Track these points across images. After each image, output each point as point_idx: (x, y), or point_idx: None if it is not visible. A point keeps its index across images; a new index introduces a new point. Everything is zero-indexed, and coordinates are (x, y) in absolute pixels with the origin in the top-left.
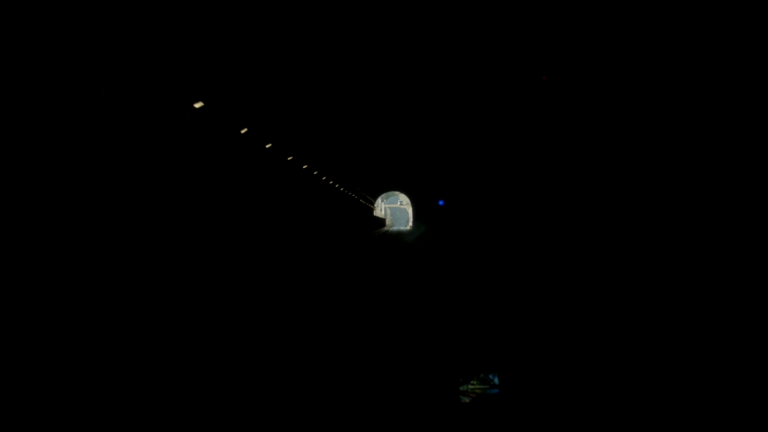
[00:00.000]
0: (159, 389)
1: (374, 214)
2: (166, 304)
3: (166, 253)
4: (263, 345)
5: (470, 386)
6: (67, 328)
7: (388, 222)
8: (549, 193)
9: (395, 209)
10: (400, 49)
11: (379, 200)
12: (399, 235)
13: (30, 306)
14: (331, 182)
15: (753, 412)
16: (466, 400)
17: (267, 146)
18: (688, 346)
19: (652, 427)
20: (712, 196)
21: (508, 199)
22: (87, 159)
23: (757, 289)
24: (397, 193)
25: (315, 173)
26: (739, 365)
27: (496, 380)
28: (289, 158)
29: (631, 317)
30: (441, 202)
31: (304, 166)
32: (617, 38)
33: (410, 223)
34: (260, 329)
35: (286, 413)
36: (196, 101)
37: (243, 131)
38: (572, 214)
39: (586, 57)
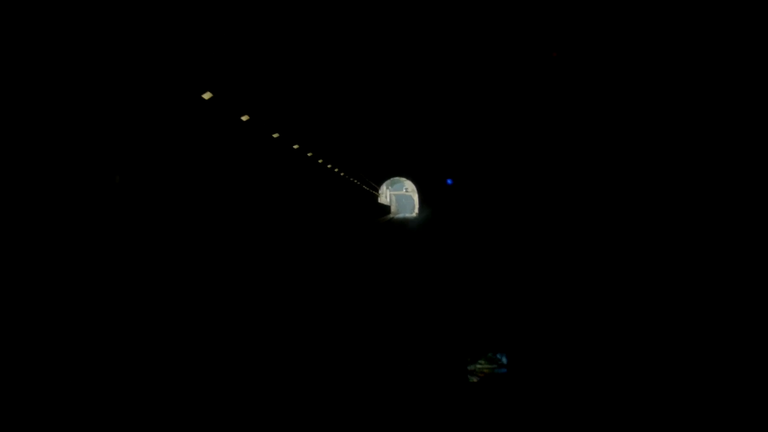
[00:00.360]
0: (159, 386)
1: (379, 201)
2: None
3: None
4: (264, 333)
5: (478, 366)
6: (68, 326)
7: (393, 209)
8: (561, 183)
9: (401, 196)
10: (405, 29)
11: (383, 187)
12: (404, 222)
13: (30, 305)
14: (329, 165)
15: (753, 412)
16: (475, 379)
17: (243, 118)
18: (694, 341)
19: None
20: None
21: (518, 189)
22: (82, 149)
23: (757, 289)
24: (402, 180)
25: (309, 154)
26: (739, 365)
27: (504, 360)
28: (275, 135)
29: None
30: (449, 181)
31: (296, 147)
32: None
33: (416, 210)
34: (259, 320)
35: (289, 406)
36: (196, 87)
37: (206, 96)
38: (585, 207)
39: (602, 36)
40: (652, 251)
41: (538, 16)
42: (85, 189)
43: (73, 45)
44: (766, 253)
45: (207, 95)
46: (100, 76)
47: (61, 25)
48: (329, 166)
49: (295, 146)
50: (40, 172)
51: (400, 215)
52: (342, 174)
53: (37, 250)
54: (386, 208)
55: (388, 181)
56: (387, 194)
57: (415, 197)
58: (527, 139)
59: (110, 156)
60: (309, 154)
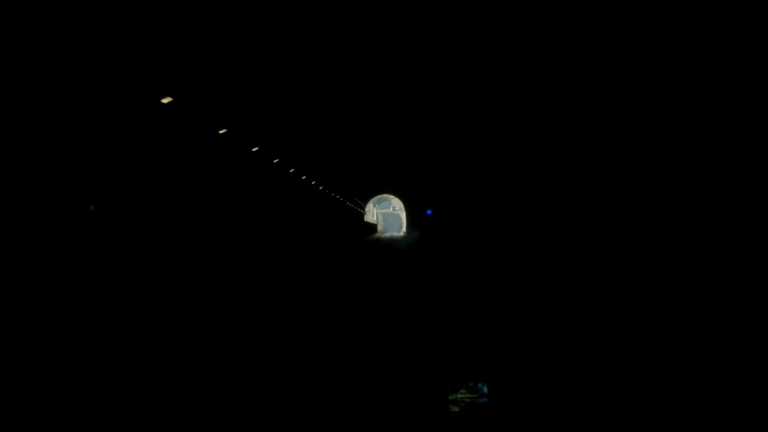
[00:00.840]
0: (158, 391)
1: (365, 220)
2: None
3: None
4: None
5: (459, 395)
6: (68, 328)
7: (380, 228)
8: (544, 197)
9: (388, 214)
10: (393, 42)
11: (370, 205)
12: (391, 242)
13: (31, 307)
14: (304, 178)
15: (753, 412)
16: (456, 409)
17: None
18: (685, 349)
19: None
20: (708, 197)
21: (505, 206)
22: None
23: (757, 289)
24: (390, 198)
25: (290, 170)
26: (739, 365)
27: (485, 389)
28: (254, 149)
29: (623, 323)
30: (429, 212)
31: (275, 161)
32: (603, 47)
33: (403, 229)
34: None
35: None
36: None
37: (164, 99)
38: (565, 221)
39: (573, 67)
40: (629, 282)
41: (516, 55)
42: (84, 196)
43: (59, 55)
44: (765, 252)
45: (167, 100)
46: (84, 87)
47: (44, 35)
48: (305, 178)
49: (275, 160)
50: (37, 176)
51: (387, 234)
52: (324, 189)
53: (35, 252)
54: (373, 227)
55: (374, 199)
56: (374, 212)
57: (403, 216)
58: (510, 159)
59: (96, 170)
60: (276, 162)
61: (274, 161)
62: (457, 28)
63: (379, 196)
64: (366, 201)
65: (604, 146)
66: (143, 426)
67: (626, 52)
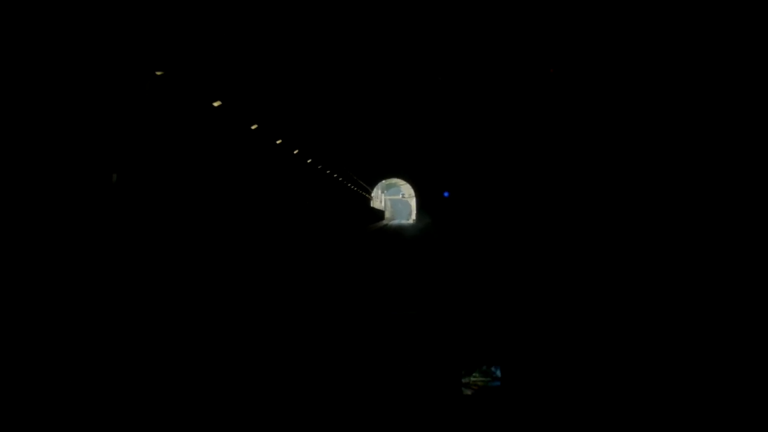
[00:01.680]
0: (156, 388)
1: (372, 206)
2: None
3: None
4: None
5: (472, 378)
6: (65, 326)
7: (387, 215)
8: (564, 186)
9: (396, 201)
10: (406, 19)
11: (378, 190)
12: (399, 229)
13: (28, 305)
14: (299, 154)
15: (753, 412)
16: (468, 392)
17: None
18: (692, 343)
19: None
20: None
21: (522, 194)
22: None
23: (757, 290)
24: (400, 184)
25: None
26: (739, 365)
27: (498, 373)
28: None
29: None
30: (446, 194)
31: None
32: (632, 28)
33: (413, 217)
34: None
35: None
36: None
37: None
38: (584, 212)
39: (599, 49)
40: (645, 266)
41: (539, 35)
42: (85, 188)
43: (74, 46)
44: (765, 253)
45: (189, 91)
46: (100, 78)
47: (62, 26)
48: (297, 152)
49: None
50: (40, 172)
51: (395, 222)
52: (324, 170)
53: (36, 250)
54: (380, 213)
55: (383, 184)
56: (381, 198)
57: (413, 203)
58: (527, 148)
59: (109, 157)
60: (280, 143)
61: (281, 144)
62: (476, 6)
63: (387, 182)
64: (373, 186)
65: (628, 131)
66: (141, 423)
67: (658, 33)
